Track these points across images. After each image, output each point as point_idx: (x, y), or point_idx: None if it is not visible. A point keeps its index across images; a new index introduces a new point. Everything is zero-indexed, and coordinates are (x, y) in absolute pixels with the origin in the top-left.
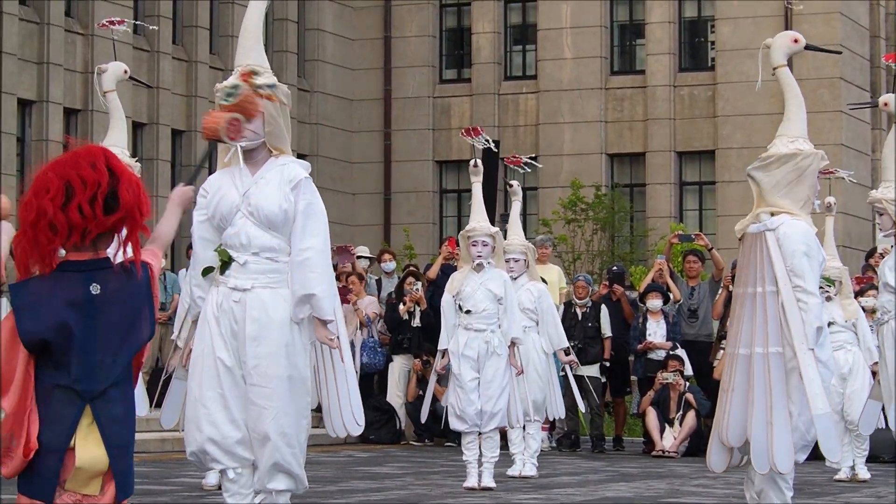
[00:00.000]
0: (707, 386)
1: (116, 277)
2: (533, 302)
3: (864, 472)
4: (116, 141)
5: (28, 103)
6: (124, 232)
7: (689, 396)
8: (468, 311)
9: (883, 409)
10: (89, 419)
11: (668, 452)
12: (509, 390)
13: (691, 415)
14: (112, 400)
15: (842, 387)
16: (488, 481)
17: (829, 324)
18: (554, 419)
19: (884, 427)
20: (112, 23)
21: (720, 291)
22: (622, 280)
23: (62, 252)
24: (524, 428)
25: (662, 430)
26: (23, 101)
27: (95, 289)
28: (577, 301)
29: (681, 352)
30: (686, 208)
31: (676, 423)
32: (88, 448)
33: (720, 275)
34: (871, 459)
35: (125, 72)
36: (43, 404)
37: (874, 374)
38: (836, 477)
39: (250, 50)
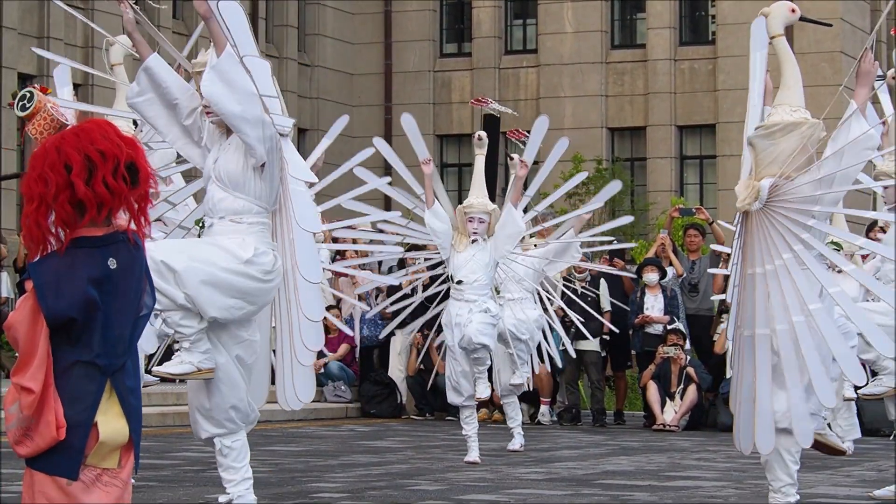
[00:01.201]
0: (708, 360)
1: (127, 250)
2: (523, 264)
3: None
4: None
5: (28, 77)
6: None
7: (690, 370)
8: (459, 282)
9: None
10: (109, 393)
11: (669, 426)
12: (495, 334)
13: (692, 389)
14: (128, 372)
15: None
16: (482, 391)
17: None
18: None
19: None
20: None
21: (721, 266)
22: (622, 254)
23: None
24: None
25: (663, 404)
26: (23, 76)
27: (112, 263)
28: (577, 275)
29: (681, 325)
30: (687, 182)
31: (677, 396)
32: (110, 421)
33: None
34: (872, 433)
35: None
36: (62, 382)
37: None
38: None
39: None
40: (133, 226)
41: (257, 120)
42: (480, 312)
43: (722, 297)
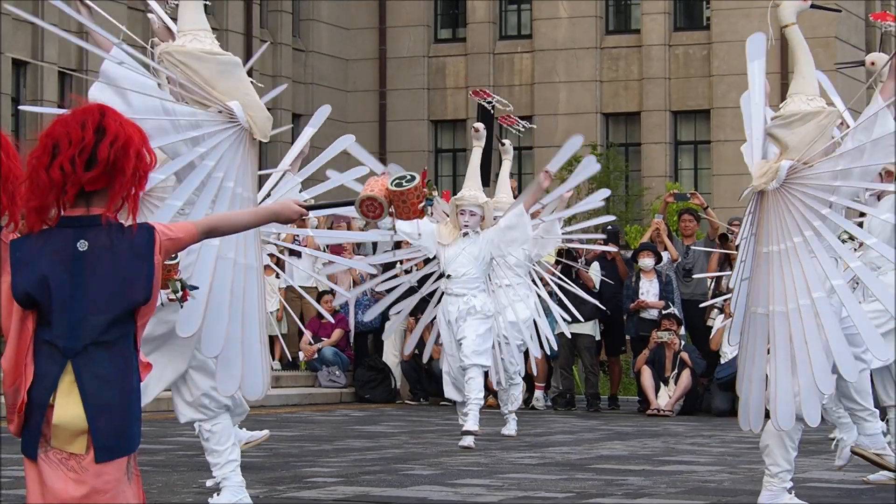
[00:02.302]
0: (702, 345)
1: (107, 234)
2: (521, 252)
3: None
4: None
5: (22, 63)
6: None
7: (685, 355)
8: (448, 276)
9: None
10: (71, 377)
11: (663, 411)
12: (487, 350)
13: (686, 374)
14: (96, 359)
15: None
16: (471, 425)
17: None
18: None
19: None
20: None
21: (715, 251)
22: (617, 239)
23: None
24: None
25: (657, 389)
26: (17, 62)
27: (83, 245)
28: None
29: (676, 310)
30: (681, 167)
31: (672, 381)
32: (68, 406)
33: (715, 234)
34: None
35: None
36: (36, 360)
37: None
38: (832, 435)
39: None
40: (128, 214)
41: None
42: (474, 320)
43: (720, 299)
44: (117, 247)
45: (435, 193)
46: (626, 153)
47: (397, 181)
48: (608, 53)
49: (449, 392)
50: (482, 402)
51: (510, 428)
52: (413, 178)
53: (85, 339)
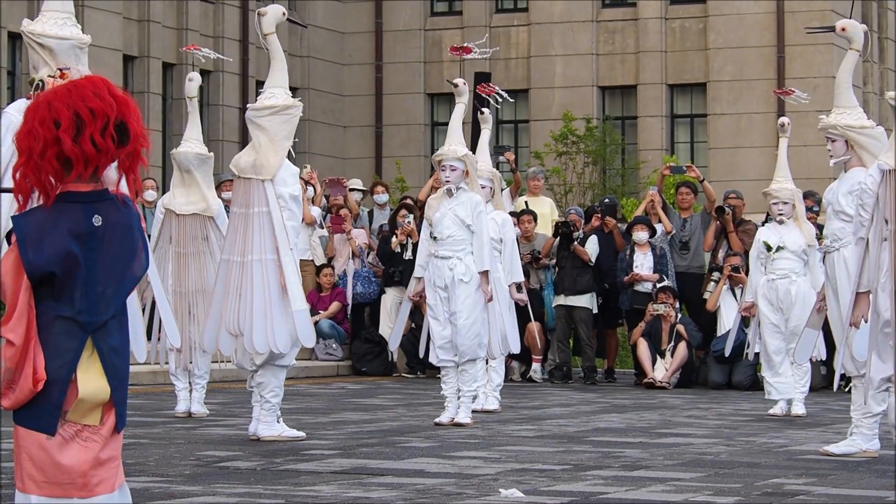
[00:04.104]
0: (698, 318)
1: (116, 209)
2: (497, 231)
3: (799, 408)
4: (278, 82)
5: (16, 36)
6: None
7: (681, 328)
8: (435, 238)
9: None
10: (90, 351)
11: (660, 383)
12: (483, 321)
13: (682, 346)
14: (111, 331)
15: (784, 319)
16: (463, 417)
17: (779, 248)
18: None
19: (821, 359)
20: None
21: (711, 224)
22: (614, 212)
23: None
24: (487, 361)
25: (654, 362)
26: (12, 35)
27: (97, 220)
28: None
29: (671, 283)
30: (677, 141)
31: (668, 354)
32: (91, 379)
33: (712, 206)
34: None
35: (283, 14)
36: (44, 336)
37: None
38: (771, 411)
39: None
40: (124, 186)
41: None
42: (467, 298)
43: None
44: (125, 221)
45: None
46: (622, 126)
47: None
48: (604, 27)
49: (431, 356)
50: (476, 393)
51: (492, 403)
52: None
53: (105, 313)
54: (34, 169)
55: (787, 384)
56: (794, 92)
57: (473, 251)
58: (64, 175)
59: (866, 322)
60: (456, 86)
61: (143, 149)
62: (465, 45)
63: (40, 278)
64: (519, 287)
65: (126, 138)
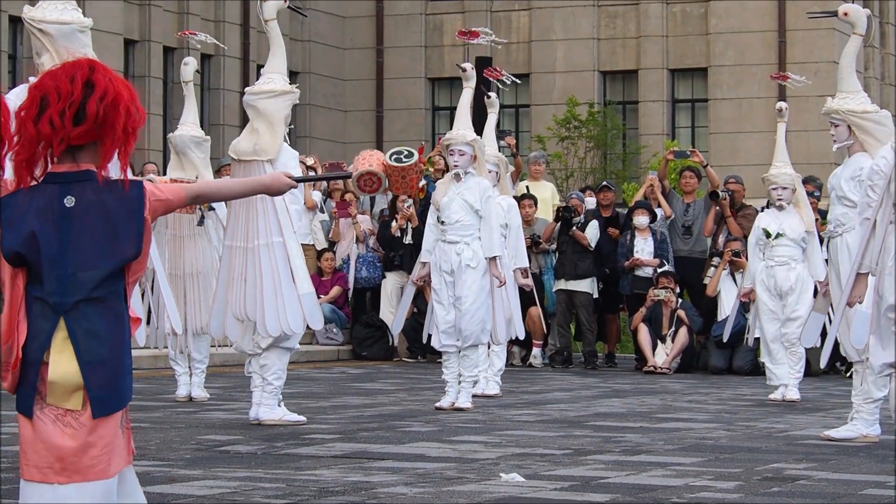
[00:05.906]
0: (699, 303)
1: (96, 189)
2: (503, 217)
3: (794, 393)
4: (276, 67)
5: (16, 21)
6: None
7: (681, 313)
8: (442, 222)
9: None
10: (64, 333)
11: (661, 369)
12: (487, 307)
13: (683, 331)
14: (88, 315)
15: (782, 305)
16: (463, 402)
17: (778, 235)
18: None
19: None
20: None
21: (711, 209)
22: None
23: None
24: (489, 346)
25: (655, 347)
26: (13, 18)
27: (70, 201)
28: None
29: (671, 268)
30: (678, 125)
31: (669, 339)
32: (62, 363)
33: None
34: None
35: (284, 0)
36: (28, 318)
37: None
38: (772, 396)
39: None
40: (115, 167)
41: None
42: (473, 284)
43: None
44: (107, 202)
45: (432, 169)
46: (623, 111)
47: (395, 156)
48: (605, 11)
49: (433, 341)
50: (477, 378)
51: (493, 387)
52: (411, 153)
53: (75, 295)
54: (16, 151)
55: (786, 370)
56: (790, 76)
57: (481, 236)
58: (34, 155)
59: (861, 303)
60: (464, 70)
61: (129, 131)
62: (473, 29)
63: (13, 259)
64: (524, 272)
65: (83, 118)
